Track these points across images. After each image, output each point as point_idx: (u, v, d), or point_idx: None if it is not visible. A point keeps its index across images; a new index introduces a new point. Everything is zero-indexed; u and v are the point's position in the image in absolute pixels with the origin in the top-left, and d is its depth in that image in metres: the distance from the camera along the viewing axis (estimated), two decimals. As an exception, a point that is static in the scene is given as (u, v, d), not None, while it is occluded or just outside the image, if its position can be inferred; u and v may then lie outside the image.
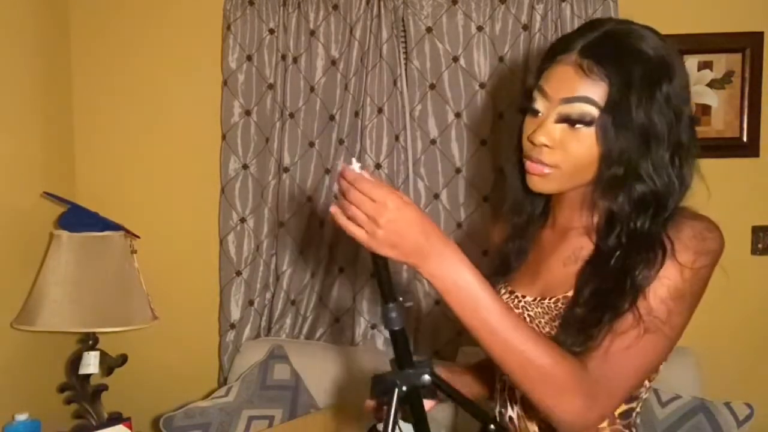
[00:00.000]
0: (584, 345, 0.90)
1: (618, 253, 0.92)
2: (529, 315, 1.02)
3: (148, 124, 2.37)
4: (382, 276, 0.84)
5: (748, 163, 2.17)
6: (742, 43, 2.14)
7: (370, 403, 1.09)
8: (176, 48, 2.34)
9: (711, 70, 2.16)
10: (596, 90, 0.90)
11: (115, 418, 2.02)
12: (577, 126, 0.92)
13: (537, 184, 0.97)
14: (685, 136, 0.95)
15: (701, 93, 2.17)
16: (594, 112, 0.91)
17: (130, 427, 1.87)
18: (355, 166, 0.82)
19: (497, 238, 1.19)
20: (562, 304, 0.97)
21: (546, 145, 0.93)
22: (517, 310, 1.02)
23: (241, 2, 2.23)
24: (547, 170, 0.94)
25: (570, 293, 0.97)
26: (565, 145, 0.93)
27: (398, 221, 0.80)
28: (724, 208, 2.15)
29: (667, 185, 0.93)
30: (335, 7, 2.20)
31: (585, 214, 1.00)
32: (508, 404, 1.07)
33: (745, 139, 2.16)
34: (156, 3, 2.34)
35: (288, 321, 2.29)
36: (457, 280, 0.83)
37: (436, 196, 2.22)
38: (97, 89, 2.37)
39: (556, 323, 0.96)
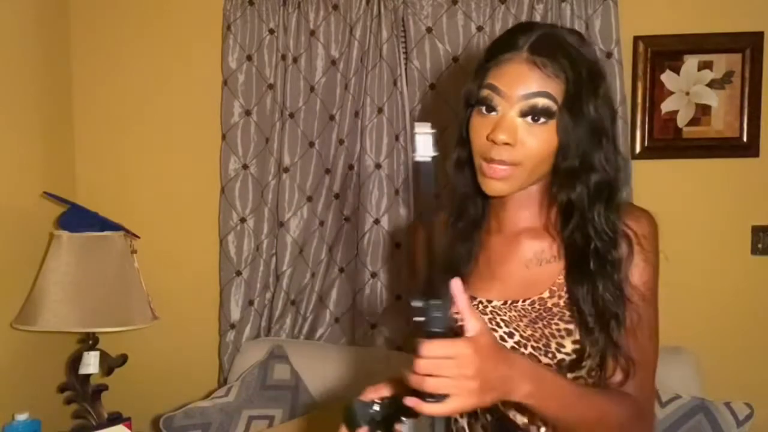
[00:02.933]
0: (613, 346, 0.96)
1: (592, 248, 0.97)
2: (503, 320, 1.01)
3: (148, 124, 2.37)
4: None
5: (748, 163, 2.17)
6: (742, 43, 2.14)
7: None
8: (176, 48, 2.34)
9: (711, 70, 2.15)
10: (552, 85, 0.93)
11: (115, 418, 2.02)
12: (540, 120, 0.94)
13: (497, 188, 0.98)
14: (615, 129, 1.01)
15: (701, 93, 2.16)
16: (553, 106, 0.94)
17: (130, 427, 1.87)
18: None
19: (420, 240, 1.17)
20: (539, 305, 1.00)
21: (508, 143, 0.94)
22: (485, 315, 1.01)
23: (241, 2, 2.23)
24: (507, 171, 0.96)
25: (545, 294, 1.00)
26: (524, 141, 0.95)
27: (483, 364, 0.76)
28: (724, 208, 2.18)
29: (617, 173, 0.99)
30: (335, 7, 2.20)
31: (539, 213, 1.05)
32: (479, 411, 1.04)
33: (745, 139, 2.15)
34: (156, 3, 2.34)
35: (288, 321, 2.29)
36: (543, 387, 0.85)
37: (437, 196, 2.21)
38: (97, 89, 2.37)
39: (539, 325, 0.99)
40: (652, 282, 1.01)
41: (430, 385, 0.75)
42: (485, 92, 0.97)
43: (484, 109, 0.97)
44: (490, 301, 1.03)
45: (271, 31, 2.24)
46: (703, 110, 2.17)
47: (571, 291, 0.98)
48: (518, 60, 0.94)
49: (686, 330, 2.17)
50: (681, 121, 2.18)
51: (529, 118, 0.94)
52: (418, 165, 0.71)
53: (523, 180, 0.98)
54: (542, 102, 0.93)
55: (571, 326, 0.98)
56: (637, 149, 2.19)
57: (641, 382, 0.98)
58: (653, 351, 1.00)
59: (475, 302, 1.04)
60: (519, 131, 0.94)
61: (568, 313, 0.98)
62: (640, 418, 0.97)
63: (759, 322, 2.18)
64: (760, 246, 2.18)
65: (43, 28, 2.24)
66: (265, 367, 2.09)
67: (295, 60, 2.22)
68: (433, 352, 0.74)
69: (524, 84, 0.94)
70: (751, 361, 2.18)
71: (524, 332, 0.99)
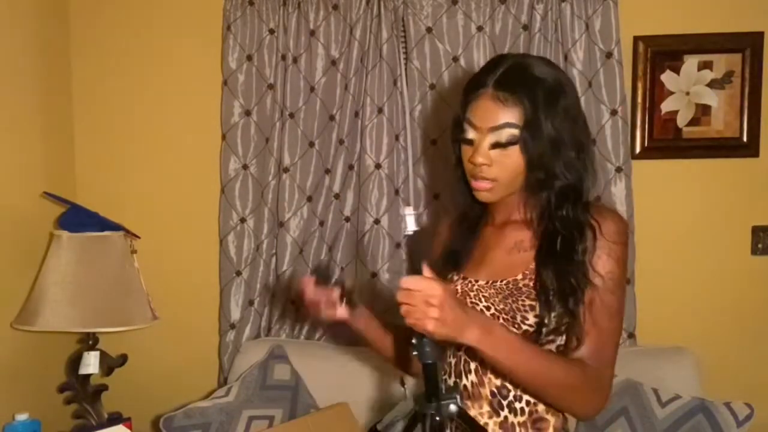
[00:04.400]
0: (570, 317, 1.14)
1: (559, 238, 1.16)
2: (483, 296, 1.21)
3: (148, 124, 2.37)
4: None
5: (748, 163, 2.17)
6: (742, 43, 2.14)
7: (308, 281, 1.24)
8: (176, 48, 2.34)
9: (711, 70, 2.16)
10: (514, 114, 1.13)
11: (115, 418, 2.02)
12: (507, 146, 1.15)
13: (484, 197, 1.21)
14: (583, 136, 1.20)
15: (701, 93, 2.17)
16: (516, 132, 1.14)
17: (130, 427, 1.87)
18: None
19: (444, 236, 1.40)
20: (512, 285, 1.20)
21: (485, 164, 1.16)
22: (472, 292, 1.23)
23: (241, 2, 2.23)
24: (490, 185, 1.18)
25: (519, 276, 1.20)
26: (499, 161, 1.16)
27: (445, 299, 0.98)
28: (724, 208, 2.18)
29: (579, 178, 1.18)
30: (335, 7, 2.20)
31: (521, 211, 1.24)
32: (463, 375, 1.25)
33: (745, 139, 2.15)
34: (156, 3, 2.34)
35: (288, 321, 2.29)
36: (495, 337, 1.05)
37: (436, 196, 2.22)
38: (97, 89, 2.37)
39: (509, 300, 1.18)
40: (615, 273, 1.16)
41: (404, 308, 0.99)
42: (465, 126, 1.19)
43: (465, 140, 1.20)
44: (477, 281, 1.24)
45: (271, 31, 2.24)
46: (703, 110, 2.17)
47: (539, 271, 1.17)
48: (485, 96, 1.16)
49: (686, 330, 2.18)
50: (681, 121, 2.18)
51: (498, 147, 1.16)
52: (409, 238, 0.96)
53: (504, 190, 1.19)
54: (506, 132, 1.14)
55: (535, 303, 1.17)
56: (637, 149, 2.19)
57: (597, 354, 1.14)
58: (613, 332, 1.16)
59: (467, 281, 1.26)
60: (492, 154, 1.16)
61: (534, 292, 1.17)
62: (592, 387, 1.13)
63: (759, 323, 2.18)
64: (760, 246, 2.18)
65: (43, 28, 2.24)
66: (265, 367, 2.09)
67: (295, 60, 2.22)
68: (408, 284, 0.99)
69: (491, 117, 1.15)
70: (751, 361, 2.18)
71: (498, 306, 1.19)
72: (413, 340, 0.99)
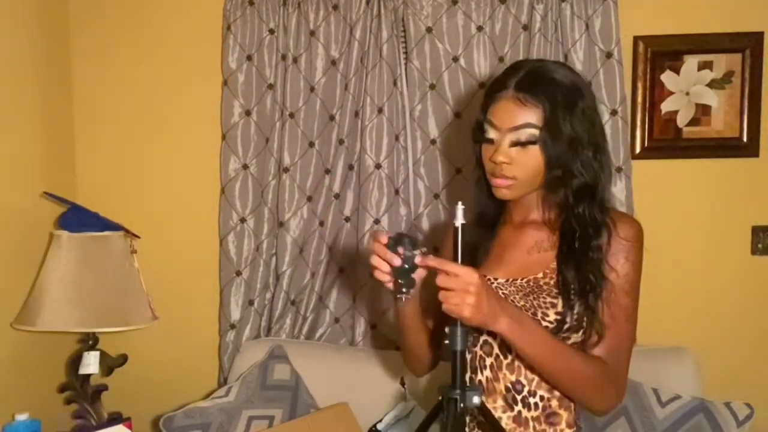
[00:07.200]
0: (590, 314, 1.18)
1: (577, 236, 1.20)
2: (503, 293, 1.24)
3: (148, 124, 2.37)
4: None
5: (748, 163, 2.17)
6: (742, 43, 2.14)
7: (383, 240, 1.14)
8: (176, 48, 2.34)
9: (711, 70, 2.15)
10: (533, 115, 1.18)
11: (115, 418, 2.02)
12: (527, 145, 1.19)
13: (504, 194, 1.24)
14: (599, 137, 1.23)
15: (701, 93, 2.16)
16: (536, 132, 1.18)
17: (130, 427, 1.87)
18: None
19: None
20: (533, 283, 1.23)
21: (505, 162, 1.20)
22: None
23: (241, 2, 2.23)
24: (509, 182, 1.21)
25: (539, 275, 1.23)
26: (518, 160, 1.20)
27: (481, 288, 1.02)
28: (724, 208, 2.18)
29: (595, 177, 1.21)
30: (335, 7, 2.20)
31: (540, 211, 1.28)
32: (479, 370, 1.28)
33: (745, 139, 2.15)
34: (156, 3, 2.34)
35: (288, 321, 2.29)
36: (524, 327, 1.09)
37: (436, 196, 2.22)
38: (97, 89, 2.37)
39: (530, 297, 1.22)
40: (631, 276, 1.21)
41: (443, 293, 1.02)
42: (486, 127, 1.23)
43: (486, 139, 1.24)
44: (496, 279, 1.27)
45: (271, 31, 2.24)
46: (703, 110, 2.17)
47: (561, 270, 1.21)
48: (506, 97, 1.20)
49: (686, 330, 2.18)
50: (681, 121, 2.18)
51: (518, 146, 1.20)
52: (457, 229, 1.00)
53: (523, 189, 1.23)
54: (526, 132, 1.18)
55: (556, 300, 1.20)
56: (637, 149, 2.19)
57: (613, 351, 1.19)
58: (628, 333, 1.21)
59: (485, 279, 1.21)
60: (513, 153, 1.20)
61: (555, 290, 1.21)
62: (609, 382, 1.18)
63: (759, 322, 2.18)
64: (760, 246, 2.18)
65: (43, 28, 2.24)
66: (265, 367, 2.09)
67: (295, 60, 2.22)
68: (450, 268, 1.01)
69: (511, 118, 1.19)
70: (751, 361, 2.18)
71: (518, 303, 1.21)
72: (446, 328, 1.02)
